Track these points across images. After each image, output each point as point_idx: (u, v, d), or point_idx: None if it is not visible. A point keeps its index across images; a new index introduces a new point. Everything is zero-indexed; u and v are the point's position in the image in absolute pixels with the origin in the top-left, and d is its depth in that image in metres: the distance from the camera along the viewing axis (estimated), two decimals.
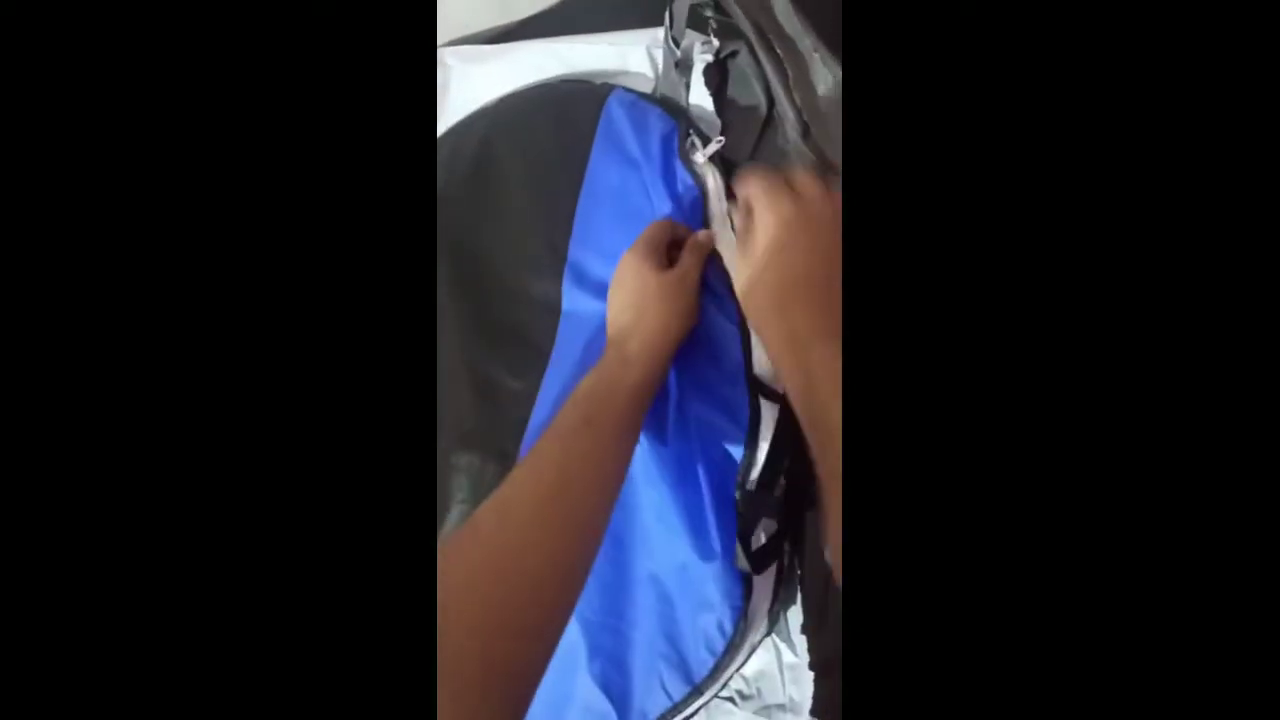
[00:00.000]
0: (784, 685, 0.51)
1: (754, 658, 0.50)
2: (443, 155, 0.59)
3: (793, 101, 0.43)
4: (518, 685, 0.33)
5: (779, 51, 0.43)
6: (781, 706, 0.51)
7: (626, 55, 0.56)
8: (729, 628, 0.44)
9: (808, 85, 0.42)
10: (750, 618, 0.45)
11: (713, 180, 0.48)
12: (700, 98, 0.50)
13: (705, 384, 0.45)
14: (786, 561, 0.47)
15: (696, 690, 0.46)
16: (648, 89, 0.54)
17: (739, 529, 0.44)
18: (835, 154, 0.42)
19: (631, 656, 0.47)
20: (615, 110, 0.52)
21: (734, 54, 0.46)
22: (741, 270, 0.41)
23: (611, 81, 0.55)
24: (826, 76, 0.41)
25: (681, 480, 0.45)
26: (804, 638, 0.48)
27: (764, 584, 0.46)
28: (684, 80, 0.51)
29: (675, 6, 0.48)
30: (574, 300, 0.51)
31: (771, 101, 0.44)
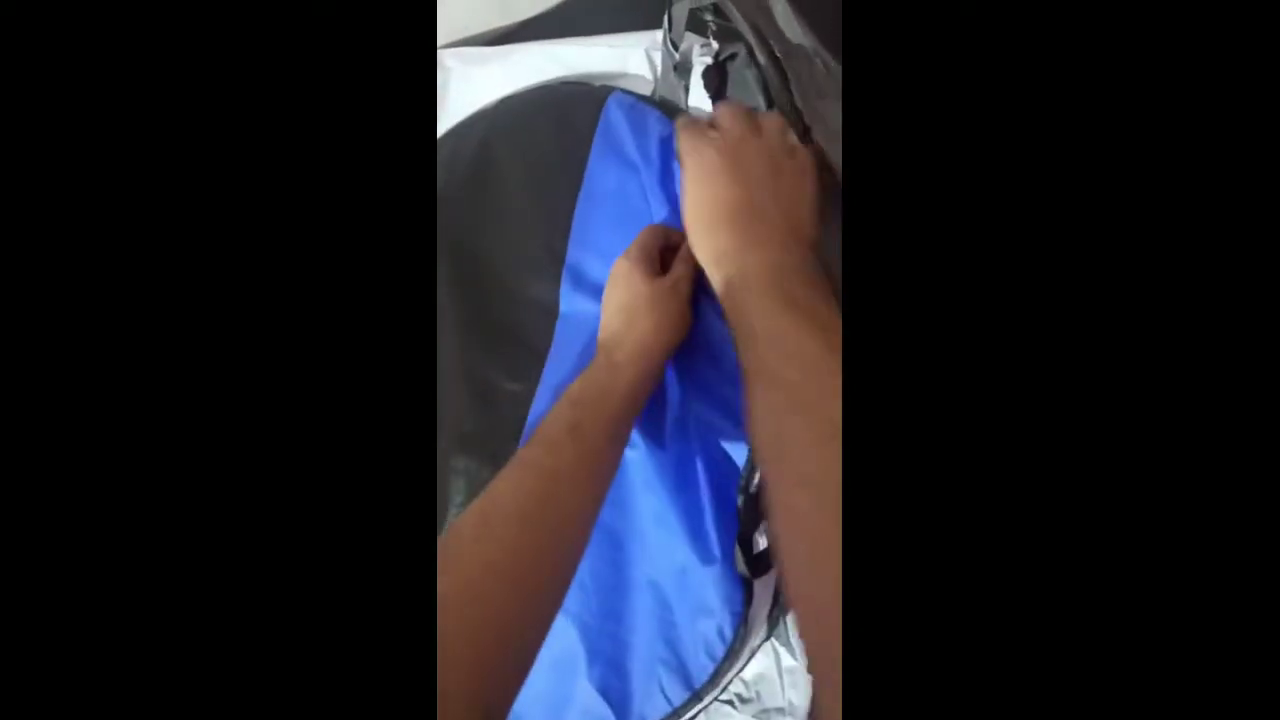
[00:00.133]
0: (783, 689, 0.51)
1: (753, 661, 0.50)
2: (442, 156, 0.58)
3: (792, 104, 0.43)
4: (500, 688, 0.33)
5: (778, 54, 0.43)
6: (780, 710, 0.51)
7: (626, 58, 0.56)
8: (729, 633, 0.44)
9: (807, 87, 0.42)
10: (750, 623, 0.44)
11: None
12: (699, 100, 0.50)
13: (705, 384, 0.45)
14: None
15: (696, 696, 0.46)
16: (647, 91, 0.54)
17: (739, 533, 0.44)
18: (835, 154, 0.42)
19: (631, 661, 0.47)
20: (614, 113, 0.52)
21: (733, 57, 0.46)
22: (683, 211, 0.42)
23: (610, 84, 0.55)
24: (826, 78, 0.41)
25: (681, 483, 0.45)
26: (803, 642, 0.48)
27: (764, 588, 0.45)
28: (683, 83, 0.51)
29: (674, 9, 0.48)
30: (571, 302, 0.51)
31: (770, 104, 0.44)
